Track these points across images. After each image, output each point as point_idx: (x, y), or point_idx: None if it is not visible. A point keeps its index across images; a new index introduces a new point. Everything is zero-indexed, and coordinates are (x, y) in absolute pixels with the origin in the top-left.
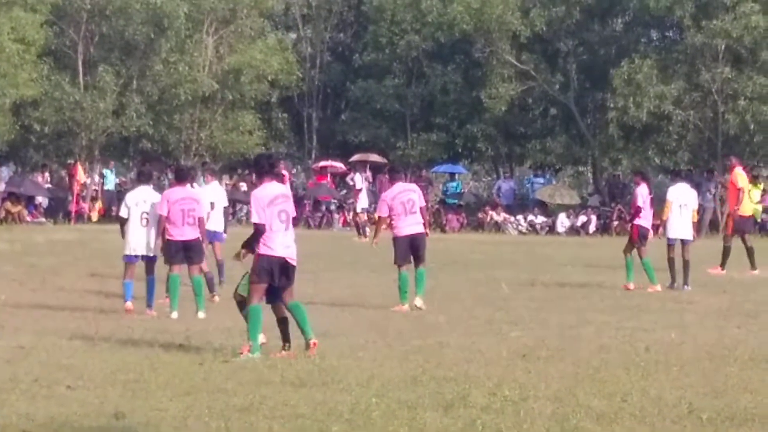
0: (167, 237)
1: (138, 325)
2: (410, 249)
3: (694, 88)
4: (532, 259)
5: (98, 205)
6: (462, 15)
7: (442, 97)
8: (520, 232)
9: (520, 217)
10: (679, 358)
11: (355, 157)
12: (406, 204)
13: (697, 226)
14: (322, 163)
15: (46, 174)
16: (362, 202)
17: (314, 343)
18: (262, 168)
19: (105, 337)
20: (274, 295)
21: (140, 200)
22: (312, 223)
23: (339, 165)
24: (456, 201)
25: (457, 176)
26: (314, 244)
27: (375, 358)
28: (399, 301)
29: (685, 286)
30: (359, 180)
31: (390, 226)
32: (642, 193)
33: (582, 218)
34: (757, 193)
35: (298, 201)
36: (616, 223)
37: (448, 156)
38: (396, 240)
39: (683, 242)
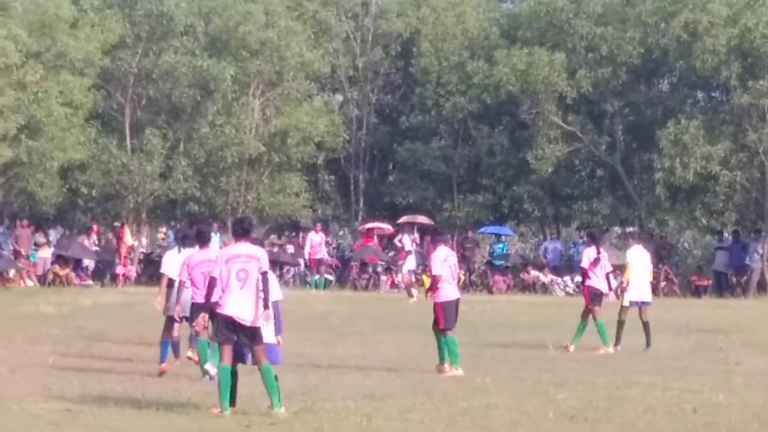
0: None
1: (185, 388)
2: (455, 314)
3: (740, 148)
4: (578, 321)
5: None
6: (508, 77)
7: (489, 158)
8: (567, 293)
9: (567, 278)
10: (726, 420)
11: (403, 219)
12: (453, 269)
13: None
14: (369, 225)
15: (93, 237)
16: (410, 263)
17: (278, 414)
18: (236, 231)
19: (152, 400)
20: (239, 356)
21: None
22: (359, 285)
23: (386, 226)
24: (502, 262)
25: (503, 237)
26: (361, 306)
27: (422, 420)
28: (451, 365)
29: (647, 347)
30: (407, 242)
31: (433, 289)
32: (588, 255)
33: None
34: None
35: (344, 263)
36: (663, 284)
37: (494, 217)
38: (444, 304)
39: (643, 304)
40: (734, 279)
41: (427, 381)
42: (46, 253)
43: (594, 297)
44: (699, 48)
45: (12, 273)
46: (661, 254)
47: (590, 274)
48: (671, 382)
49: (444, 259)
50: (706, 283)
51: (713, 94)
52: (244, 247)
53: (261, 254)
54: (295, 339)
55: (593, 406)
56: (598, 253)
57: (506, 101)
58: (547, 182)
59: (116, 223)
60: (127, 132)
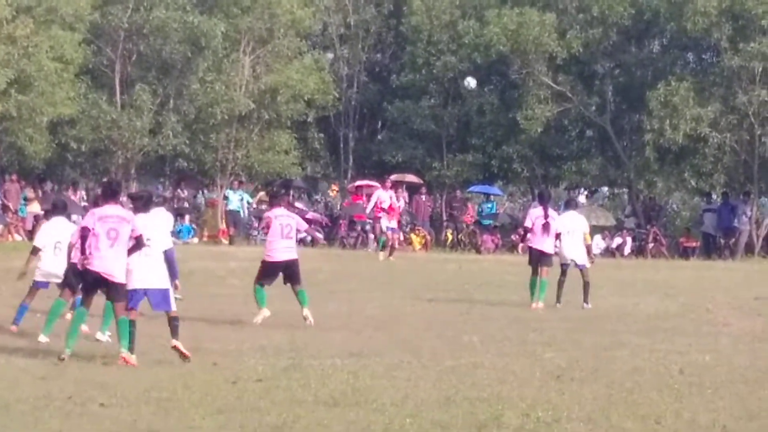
0: None
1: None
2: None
3: (730, 110)
4: (567, 281)
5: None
6: (498, 36)
7: (478, 118)
8: (556, 253)
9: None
10: (713, 381)
11: (392, 178)
12: (284, 228)
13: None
14: (358, 183)
15: (81, 192)
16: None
17: (123, 357)
18: (105, 192)
19: (139, 354)
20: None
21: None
22: (347, 243)
23: (375, 184)
24: (491, 222)
25: (492, 197)
26: (349, 264)
27: (409, 378)
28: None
29: (585, 304)
30: (385, 197)
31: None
32: (531, 215)
33: (617, 240)
34: None
35: (333, 221)
36: (651, 245)
37: (483, 177)
38: (265, 263)
39: (578, 266)
40: (722, 241)
41: (415, 339)
42: (36, 208)
43: (532, 257)
44: (690, 9)
45: (1, 228)
46: (650, 215)
47: (528, 234)
48: (658, 343)
49: (275, 217)
50: (694, 244)
51: (704, 56)
52: (116, 209)
53: (132, 217)
54: (283, 296)
55: (580, 365)
56: (546, 215)
57: (497, 61)
58: (537, 142)
59: (104, 179)
60: (117, 88)
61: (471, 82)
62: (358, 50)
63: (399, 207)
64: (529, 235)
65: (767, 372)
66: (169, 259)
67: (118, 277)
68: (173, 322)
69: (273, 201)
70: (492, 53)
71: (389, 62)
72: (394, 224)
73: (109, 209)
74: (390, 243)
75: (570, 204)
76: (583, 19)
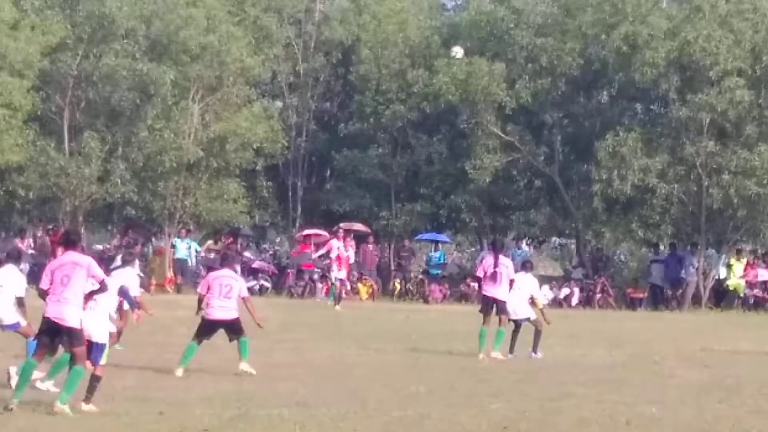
0: None
1: (119, 393)
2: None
3: (678, 161)
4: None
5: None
6: (447, 86)
7: (427, 167)
8: None
9: None
10: None
11: (341, 226)
12: (223, 288)
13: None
14: (306, 232)
15: (28, 239)
16: (343, 272)
17: (57, 409)
18: (65, 240)
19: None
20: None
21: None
22: (295, 292)
23: (323, 233)
24: (439, 272)
25: (440, 246)
26: (297, 313)
27: (355, 429)
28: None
29: (533, 354)
30: (339, 247)
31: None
32: (483, 263)
33: (565, 290)
34: (740, 267)
35: (281, 270)
36: (599, 296)
37: (431, 226)
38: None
39: (525, 320)
40: (670, 292)
41: (362, 389)
42: None
43: (485, 305)
44: (638, 60)
45: None
46: (597, 266)
47: (481, 282)
48: (605, 394)
49: (213, 278)
50: (641, 295)
51: (652, 107)
52: (71, 256)
53: (88, 262)
54: (230, 345)
55: (527, 416)
56: (496, 263)
57: (445, 110)
58: (485, 192)
59: (49, 226)
60: (66, 135)
61: (459, 51)
62: (307, 99)
63: (348, 257)
64: (482, 283)
65: (713, 424)
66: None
67: (69, 321)
68: (94, 382)
69: (223, 263)
70: (441, 102)
71: (338, 111)
72: (343, 274)
73: (65, 257)
74: (338, 293)
75: (525, 266)
76: (531, 69)
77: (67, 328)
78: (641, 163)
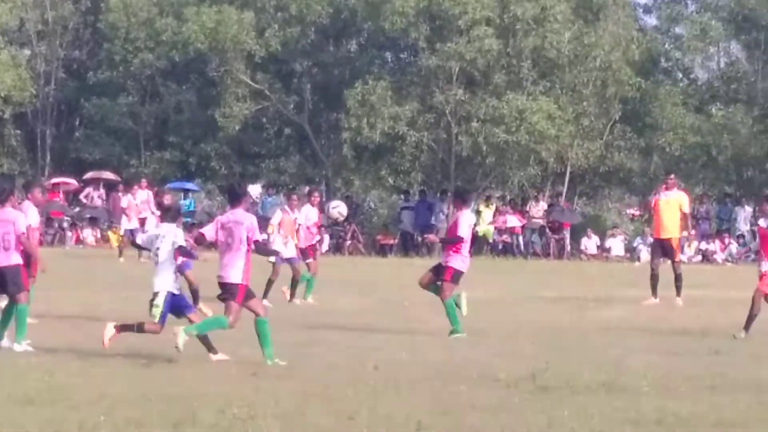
0: None
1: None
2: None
3: (428, 109)
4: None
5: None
6: (197, 34)
7: (176, 115)
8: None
9: None
10: (408, 377)
11: (89, 175)
12: None
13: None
14: (55, 180)
15: None
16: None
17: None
18: None
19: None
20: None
21: None
22: (44, 240)
23: (72, 182)
24: (189, 219)
25: (190, 194)
26: (46, 262)
27: (105, 375)
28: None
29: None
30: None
31: None
32: (467, 221)
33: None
34: (489, 213)
35: None
36: (349, 242)
37: (181, 174)
38: None
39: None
40: (420, 238)
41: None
42: None
43: (455, 278)
44: (387, 9)
45: None
46: (348, 213)
47: (461, 246)
48: (355, 339)
49: None
50: (392, 242)
51: (401, 56)
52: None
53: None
54: None
55: (275, 362)
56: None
57: (195, 59)
58: (235, 140)
59: None
60: None
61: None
62: (56, 47)
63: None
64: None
65: (462, 367)
66: None
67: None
68: None
69: None
70: (190, 51)
71: (87, 59)
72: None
73: None
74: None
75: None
76: (281, 18)
77: None
78: (391, 111)
